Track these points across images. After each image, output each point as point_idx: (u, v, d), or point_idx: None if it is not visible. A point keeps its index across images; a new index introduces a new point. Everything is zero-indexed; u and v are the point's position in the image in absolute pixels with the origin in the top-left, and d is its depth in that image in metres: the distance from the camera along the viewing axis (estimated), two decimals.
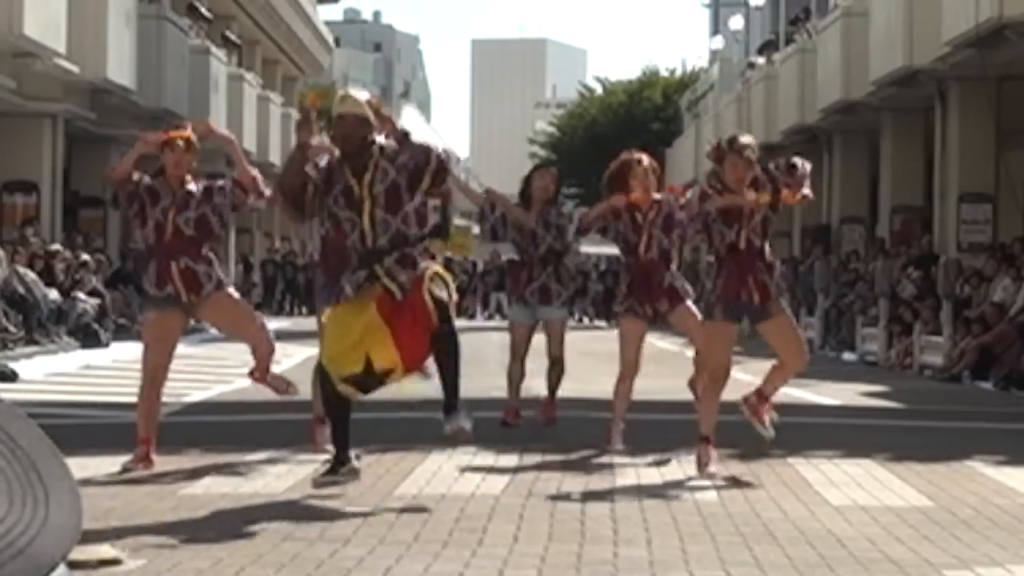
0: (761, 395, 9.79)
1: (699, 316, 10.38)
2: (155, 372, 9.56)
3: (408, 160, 8.50)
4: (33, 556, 1.28)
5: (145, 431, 9.50)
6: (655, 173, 10.98)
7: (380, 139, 8.58)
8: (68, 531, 1.30)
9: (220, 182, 9.88)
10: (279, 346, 10.97)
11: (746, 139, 9.54)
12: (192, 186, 9.66)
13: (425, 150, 8.57)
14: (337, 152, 8.68)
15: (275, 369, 10.52)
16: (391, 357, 8.38)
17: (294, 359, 19.39)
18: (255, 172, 9.87)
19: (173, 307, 9.53)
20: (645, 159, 11.01)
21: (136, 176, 9.68)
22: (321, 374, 8.71)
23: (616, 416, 10.86)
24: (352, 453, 8.62)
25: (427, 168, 8.51)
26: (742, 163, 9.32)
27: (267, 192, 9.86)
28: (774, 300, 9.47)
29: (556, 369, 12.23)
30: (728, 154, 9.38)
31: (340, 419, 8.64)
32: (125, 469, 9.27)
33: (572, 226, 11.92)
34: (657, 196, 10.93)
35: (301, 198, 8.61)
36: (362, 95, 8.89)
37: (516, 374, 12.34)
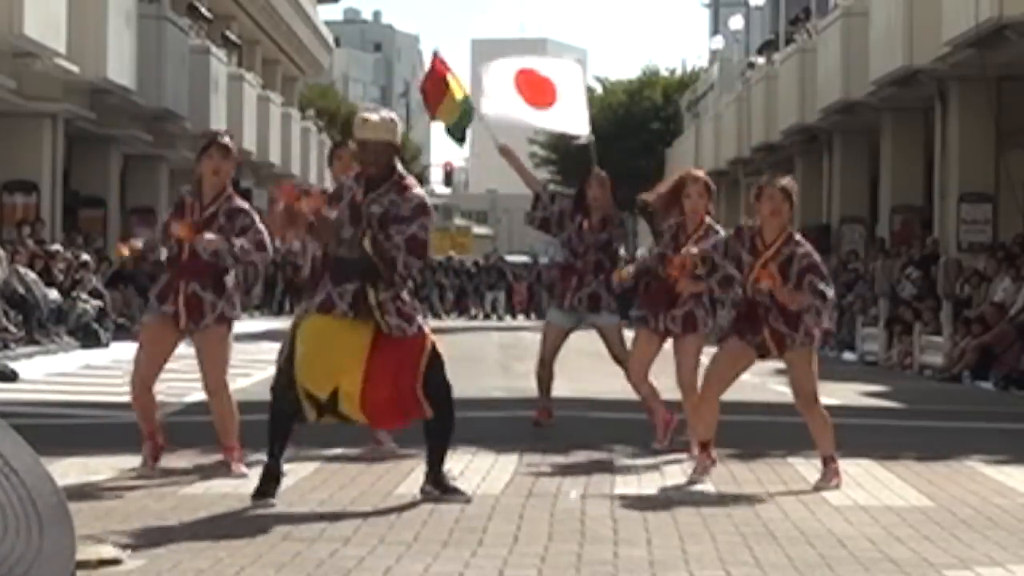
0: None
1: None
2: (146, 379, 9.33)
3: (402, 205, 8.26)
4: None
5: (148, 426, 9.36)
6: (710, 192, 10.69)
7: (401, 170, 8.37)
8: (62, 562, 1.30)
9: (246, 220, 9.31)
10: (278, 347, 10.95)
11: (786, 179, 9.55)
12: (221, 206, 9.29)
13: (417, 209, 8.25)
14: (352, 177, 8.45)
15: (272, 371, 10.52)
16: (356, 411, 8.18)
17: None
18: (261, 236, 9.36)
19: (171, 323, 9.31)
20: (702, 175, 10.76)
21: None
22: (280, 383, 8.22)
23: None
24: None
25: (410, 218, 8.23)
26: (779, 195, 9.27)
27: (269, 251, 9.53)
28: (793, 345, 9.21)
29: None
30: (766, 188, 9.36)
31: (282, 431, 8.28)
32: (140, 474, 9.16)
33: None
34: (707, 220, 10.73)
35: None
36: (386, 118, 8.48)
37: (545, 376, 12.18)
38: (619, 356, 11.51)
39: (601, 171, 12.03)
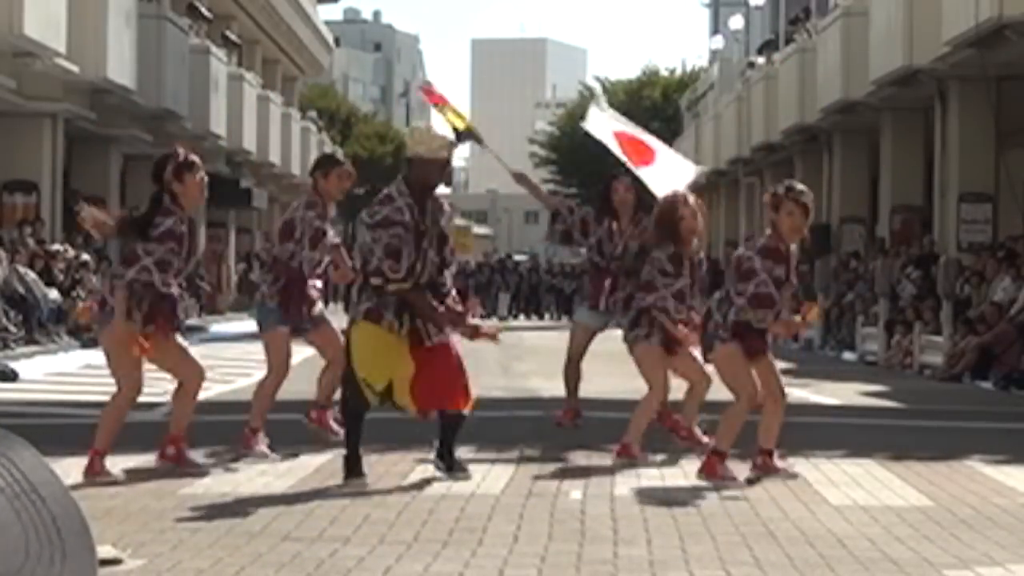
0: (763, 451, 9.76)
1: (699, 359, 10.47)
2: (138, 393, 9.43)
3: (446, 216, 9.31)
4: None
5: (103, 443, 9.30)
6: (703, 212, 10.64)
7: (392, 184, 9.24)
8: None
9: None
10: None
11: (803, 187, 9.55)
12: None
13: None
14: (403, 192, 9.10)
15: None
16: (407, 398, 9.01)
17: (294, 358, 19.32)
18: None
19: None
20: (691, 198, 10.56)
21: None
22: (345, 384, 9.24)
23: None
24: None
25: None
26: (799, 210, 9.29)
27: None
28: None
29: None
30: (785, 202, 9.32)
31: (353, 428, 9.12)
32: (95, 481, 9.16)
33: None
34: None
35: None
36: (440, 126, 9.72)
37: (573, 375, 12.23)
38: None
39: (625, 175, 12.17)
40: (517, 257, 55.94)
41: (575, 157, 65.86)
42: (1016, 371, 18.85)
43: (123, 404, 9.40)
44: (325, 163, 10.96)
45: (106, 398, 9.73)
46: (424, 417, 9.29)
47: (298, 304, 10.43)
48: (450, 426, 9.20)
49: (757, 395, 9.47)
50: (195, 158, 9.54)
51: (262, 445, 10.18)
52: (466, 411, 9.15)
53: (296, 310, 10.43)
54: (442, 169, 9.13)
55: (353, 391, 9.09)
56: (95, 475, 9.07)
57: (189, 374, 9.57)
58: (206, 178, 9.53)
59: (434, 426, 9.34)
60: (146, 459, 9.80)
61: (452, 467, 9.24)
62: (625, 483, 9.23)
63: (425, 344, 9.01)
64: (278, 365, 10.45)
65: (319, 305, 10.68)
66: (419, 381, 8.99)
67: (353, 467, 8.98)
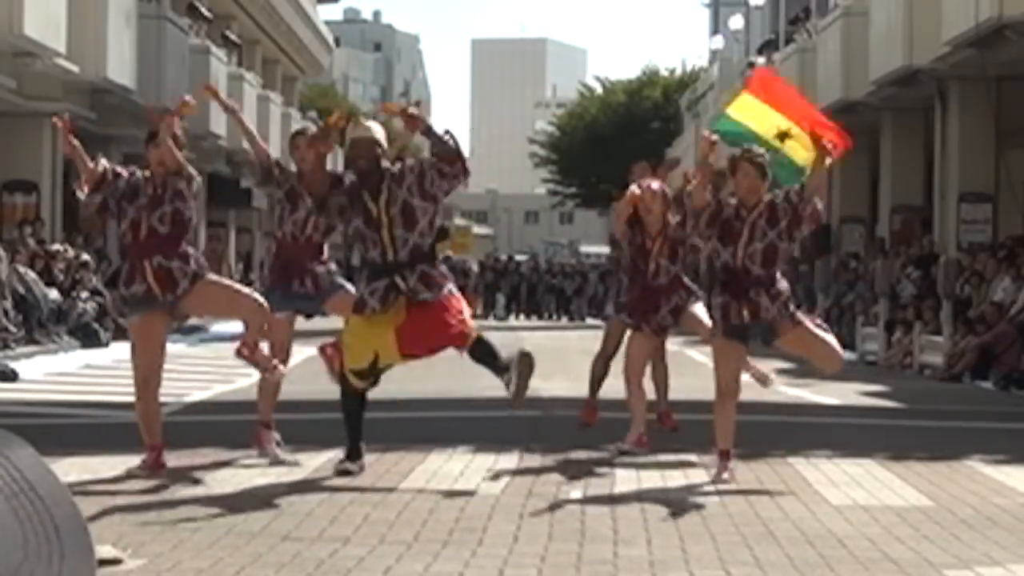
0: None
1: (704, 318, 10.50)
2: (148, 376, 9.40)
3: (412, 179, 9.28)
4: None
5: (151, 437, 9.40)
6: (664, 199, 10.97)
7: (387, 165, 9.38)
8: None
9: (190, 172, 9.89)
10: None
11: (759, 150, 9.64)
12: (168, 181, 9.64)
13: (420, 160, 9.52)
14: (350, 174, 9.41)
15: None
16: (393, 353, 9.21)
17: (293, 359, 19.30)
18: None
19: (154, 307, 9.41)
20: (655, 185, 11.03)
21: (112, 171, 9.83)
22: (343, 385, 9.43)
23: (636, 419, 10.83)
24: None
25: (430, 168, 9.27)
26: (754, 170, 9.36)
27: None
28: (777, 317, 9.40)
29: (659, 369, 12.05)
30: (741, 164, 9.43)
31: (349, 416, 9.43)
32: (131, 475, 9.15)
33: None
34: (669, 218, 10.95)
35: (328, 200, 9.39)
36: (375, 125, 9.65)
37: (601, 373, 12.11)
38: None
39: (642, 162, 12.41)
40: (518, 257, 55.90)
41: (575, 157, 65.86)
42: (1016, 371, 18.85)
43: (140, 395, 9.41)
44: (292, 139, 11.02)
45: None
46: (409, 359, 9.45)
47: (299, 276, 10.21)
48: (478, 355, 9.36)
49: (731, 389, 9.46)
50: (154, 129, 10.04)
51: (273, 444, 10.13)
52: (471, 340, 9.22)
53: (299, 282, 10.21)
54: (357, 146, 9.31)
55: (344, 382, 9.37)
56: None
57: (251, 310, 9.62)
58: (159, 147, 9.85)
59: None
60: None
61: (507, 367, 9.39)
62: (625, 483, 9.23)
63: (417, 300, 9.18)
64: (276, 352, 10.35)
65: (324, 276, 10.32)
66: (408, 330, 9.12)
67: (351, 452, 9.43)
